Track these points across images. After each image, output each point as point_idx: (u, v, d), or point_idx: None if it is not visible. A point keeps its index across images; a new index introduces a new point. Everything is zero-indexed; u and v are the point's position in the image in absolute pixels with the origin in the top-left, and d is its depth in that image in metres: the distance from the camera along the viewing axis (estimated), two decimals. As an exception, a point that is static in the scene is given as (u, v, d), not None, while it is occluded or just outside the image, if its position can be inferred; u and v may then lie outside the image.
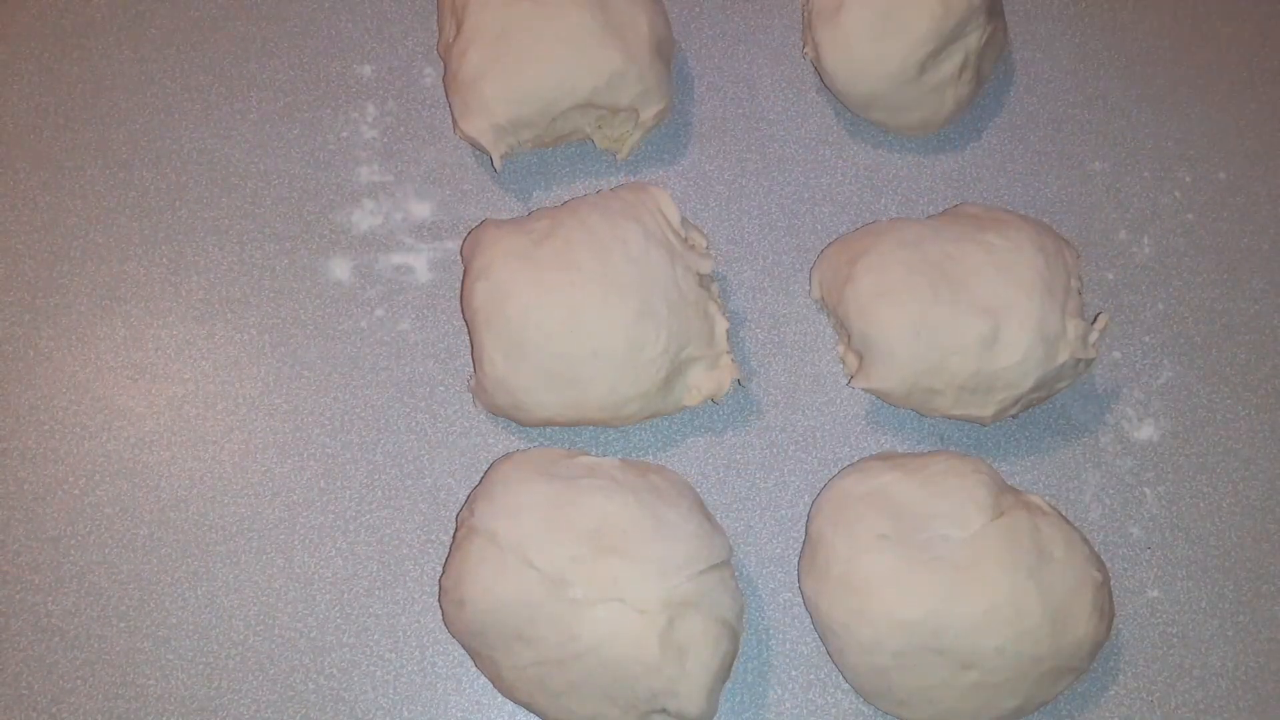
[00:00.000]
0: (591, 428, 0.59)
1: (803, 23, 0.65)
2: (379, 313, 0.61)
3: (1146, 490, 0.59)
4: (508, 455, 0.56)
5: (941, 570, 0.51)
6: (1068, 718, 0.56)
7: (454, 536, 0.55)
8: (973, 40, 0.61)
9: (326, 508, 0.58)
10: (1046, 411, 0.60)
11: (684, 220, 0.58)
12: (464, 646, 0.54)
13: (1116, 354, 0.62)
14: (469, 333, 0.58)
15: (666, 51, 0.62)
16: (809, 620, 0.57)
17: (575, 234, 0.56)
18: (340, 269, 0.62)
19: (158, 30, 0.66)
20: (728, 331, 0.58)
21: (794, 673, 0.56)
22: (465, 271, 0.58)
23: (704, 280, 0.57)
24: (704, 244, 0.58)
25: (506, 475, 0.54)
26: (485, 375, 0.56)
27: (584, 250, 0.55)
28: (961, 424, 0.60)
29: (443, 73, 0.63)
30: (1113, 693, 0.56)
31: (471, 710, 0.56)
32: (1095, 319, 0.58)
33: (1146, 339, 0.62)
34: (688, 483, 0.57)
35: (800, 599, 0.57)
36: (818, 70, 0.64)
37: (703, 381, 0.57)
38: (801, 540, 0.58)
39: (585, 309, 0.54)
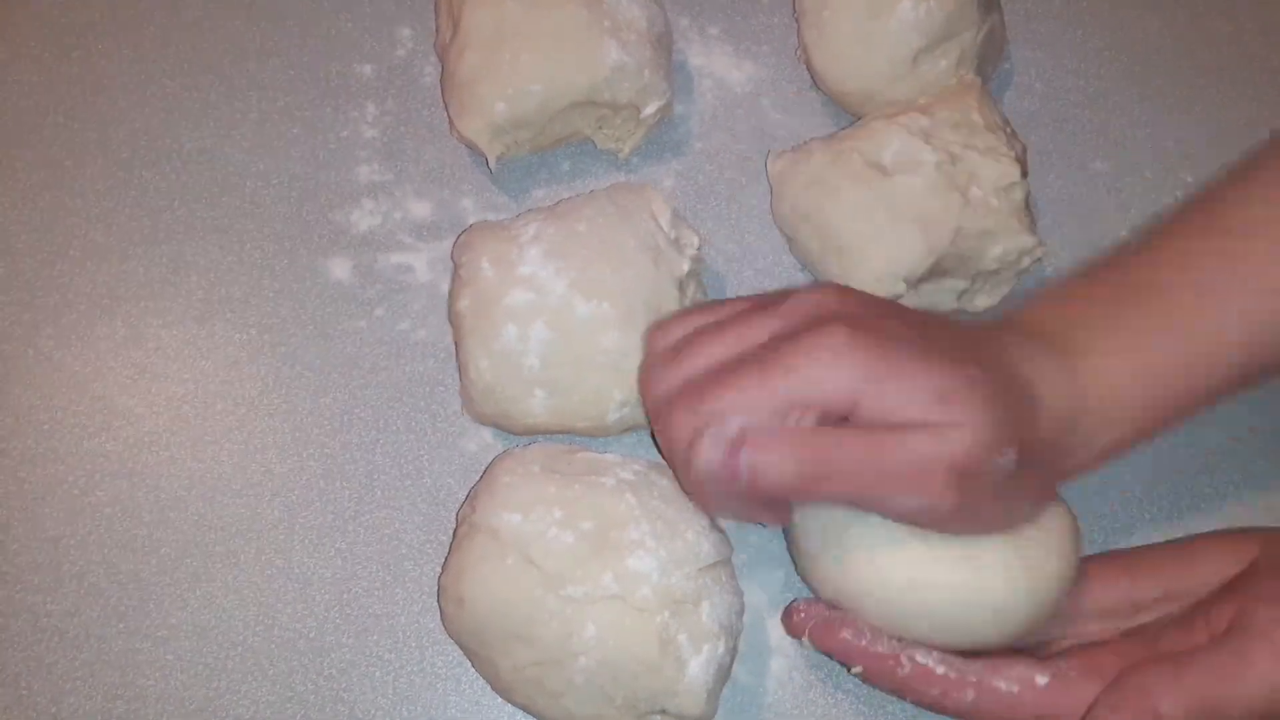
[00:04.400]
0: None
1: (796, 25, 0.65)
2: (379, 313, 0.61)
3: (1148, 491, 0.59)
4: (509, 451, 0.56)
5: None
6: None
7: (454, 534, 0.55)
8: (967, 38, 0.61)
9: (326, 508, 0.58)
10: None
11: (676, 219, 0.58)
12: (462, 647, 0.54)
13: (1117, 354, 0.62)
14: (454, 340, 0.58)
15: (665, 47, 0.62)
16: (809, 620, 0.57)
17: (562, 237, 0.55)
18: (340, 269, 0.62)
19: (158, 30, 0.66)
20: None
21: (794, 673, 0.56)
22: (453, 276, 0.58)
23: (683, 282, 0.57)
24: (696, 242, 0.58)
25: (508, 471, 0.54)
26: (471, 383, 0.56)
27: (569, 254, 0.55)
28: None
29: (440, 72, 0.63)
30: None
31: (471, 711, 0.56)
32: None
33: (1147, 339, 0.62)
34: (688, 482, 0.57)
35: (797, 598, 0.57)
36: (810, 72, 0.64)
37: None
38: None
39: (567, 316, 0.54)
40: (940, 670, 0.50)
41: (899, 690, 0.51)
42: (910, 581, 0.49)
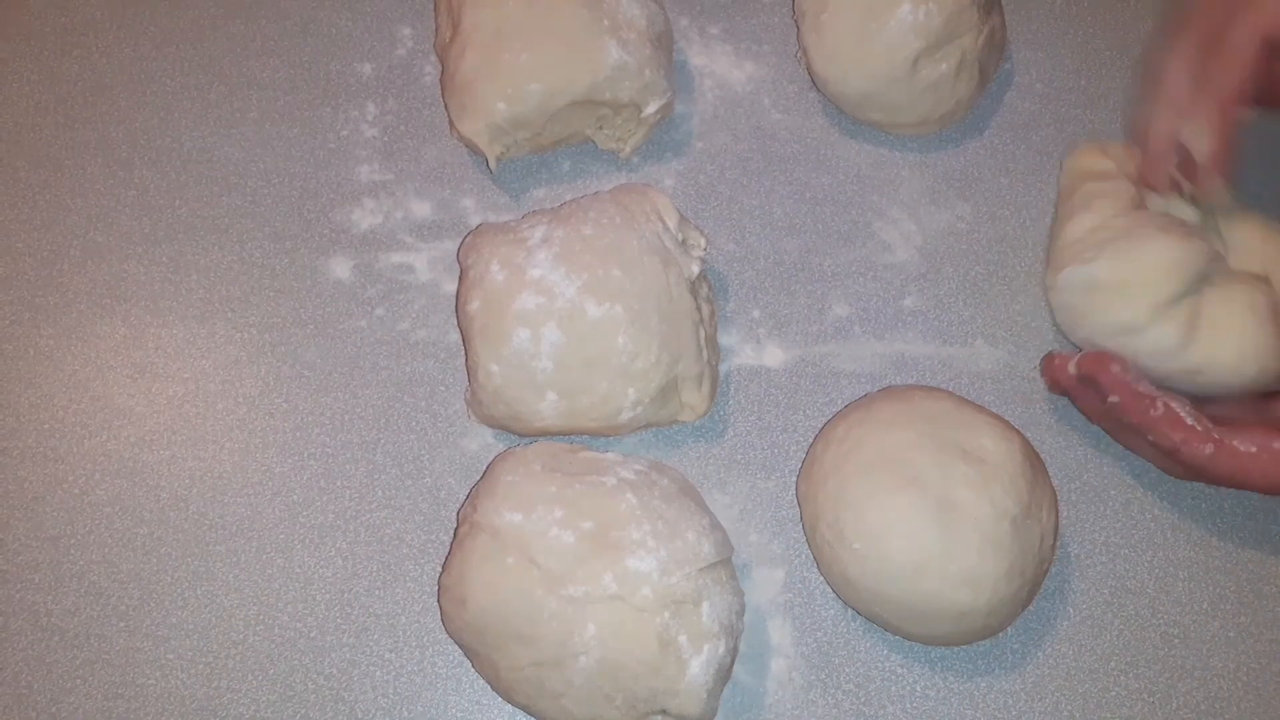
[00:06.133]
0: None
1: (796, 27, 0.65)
2: (379, 312, 0.61)
3: (1148, 491, 0.59)
4: (510, 450, 0.56)
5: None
6: (1068, 716, 0.56)
7: (455, 534, 0.55)
8: (968, 39, 0.61)
9: (326, 508, 0.58)
10: (1048, 414, 0.60)
11: (682, 220, 0.58)
12: (462, 647, 0.54)
13: (1117, 354, 0.62)
14: (463, 342, 0.57)
15: (666, 46, 0.62)
16: (808, 619, 0.57)
17: (570, 240, 0.55)
18: (340, 268, 0.62)
19: (158, 30, 0.66)
20: (712, 339, 0.57)
21: (794, 673, 0.56)
22: (461, 278, 0.58)
23: (695, 284, 0.57)
24: (703, 244, 0.58)
25: (509, 470, 0.54)
26: (480, 386, 0.56)
27: (578, 257, 0.55)
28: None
29: (440, 72, 0.63)
30: (1114, 694, 0.56)
31: (471, 711, 0.56)
32: None
33: (1147, 339, 0.62)
34: (688, 480, 0.57)
35: (797, 598, 0.57)
36: (810, 74, 0.64)
37: (695, 400, 0.57)
38: (800, 540, 0.58)
39: (578, 317, 0.54)
40: (1189, 421, 0.53)
41: (1145, 428, 0.54)
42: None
